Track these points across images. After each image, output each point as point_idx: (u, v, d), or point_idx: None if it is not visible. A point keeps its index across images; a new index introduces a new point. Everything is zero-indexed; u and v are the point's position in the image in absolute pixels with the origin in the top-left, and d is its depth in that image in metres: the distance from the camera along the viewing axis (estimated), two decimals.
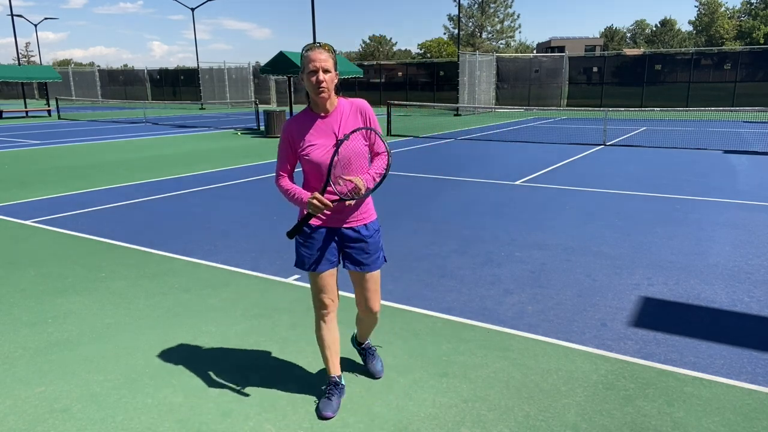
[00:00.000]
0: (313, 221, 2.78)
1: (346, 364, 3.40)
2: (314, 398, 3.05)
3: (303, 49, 2.63)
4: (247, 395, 3.09)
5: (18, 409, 2.97)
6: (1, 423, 2.85)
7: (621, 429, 2.77)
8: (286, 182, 2.77)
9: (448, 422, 2.84)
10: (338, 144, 2.65)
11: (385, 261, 2.98)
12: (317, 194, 2.57)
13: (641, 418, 2.86)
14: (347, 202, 2.70)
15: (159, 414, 2.92)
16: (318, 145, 2.68)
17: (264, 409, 2.96)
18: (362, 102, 2.79)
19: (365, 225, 2.85)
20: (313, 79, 2.58)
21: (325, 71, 2.58)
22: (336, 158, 2.64)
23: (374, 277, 2.93)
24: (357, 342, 3.36)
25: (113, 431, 2.78)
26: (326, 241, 2.81)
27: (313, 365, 3.41)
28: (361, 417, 2.89)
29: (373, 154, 2.82)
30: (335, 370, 3.01)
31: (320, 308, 2.90)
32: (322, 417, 2.87)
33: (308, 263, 2.82)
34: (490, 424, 2.82)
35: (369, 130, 2.73)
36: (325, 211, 2.62)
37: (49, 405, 3.01)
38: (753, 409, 2.92)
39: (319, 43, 2.64)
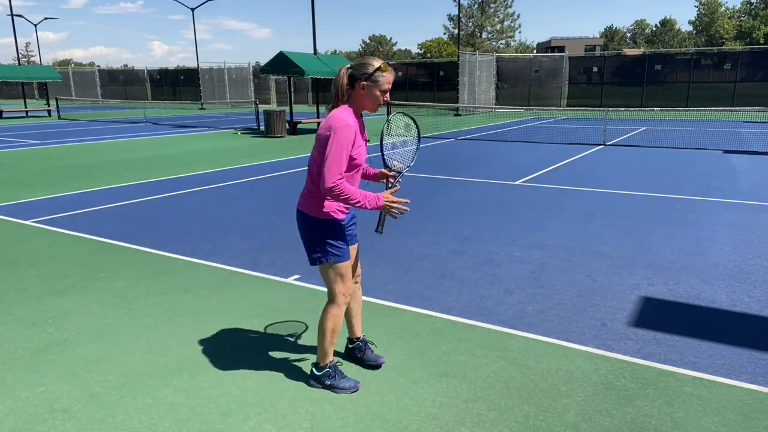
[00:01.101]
0: (342, 215, 2.99)
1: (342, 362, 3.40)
2: (315, 398, 3.05)
3: (380, 67, 2.81)
4: (247, 395, 3.09)
5: (18, 409, 2.97)
6: (1, 423, 2.86)
7: (621, 429, 2.77)
8: (349, 187, 2.79)
9: (448, 422, 2.84)
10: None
11: None
12: (387, 194, 2.89)
13: (641, 418, 2.86)
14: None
15: (159, 414, 2.93)
16: (363, 147, 2.92)
17: (264, 409, 2.96)
18: None
19: None
20: (386, 97, 2.89)
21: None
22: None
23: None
24: (352, 340, 3.46)
25: (113, 431, 2.78)
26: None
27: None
28: (361, 417, 2.89)
29: None
30: (331, 356, 3.17)
31: (347, 294, 3.06)
32: (355, 389, 3.08)
33: (348, 253, 3.02)
34: (490, 424, 2.82)
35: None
36: (402, 207, 2.90)
37: (49, 405, 3.01)
38: (753, 409, 2.92)
39: (386, 63, 2.89)
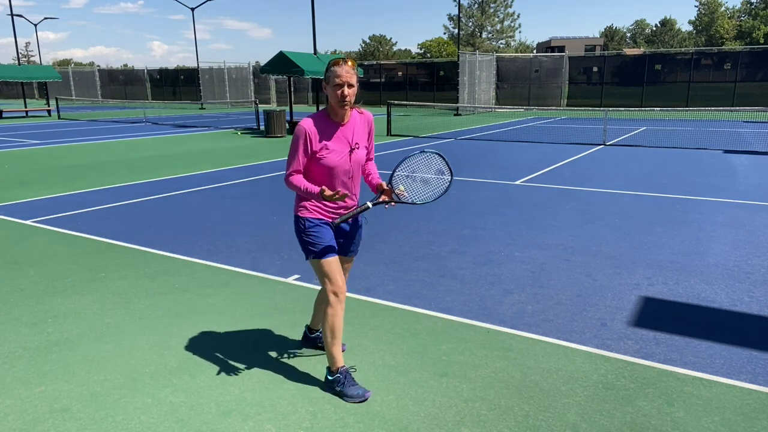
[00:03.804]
0: (317, 215, 3.02)
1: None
2: (315, 397, 3.06)
3: (329, 63, 2.85)
4: (247, 395, 3.09)
5: (18, 409, 2.97)
6: (1, 423, 2.86)
7: (621, 429, 2.77)
8: (298, 178, 2.92)
9: (448, 422, 2.84)
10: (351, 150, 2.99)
11: None
12: (324, 187, 2.79)
13: (641, 418, 2.86)
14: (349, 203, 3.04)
15: (159, 414, 2.93)
16: (334, 151, 2.91)
17: (264, 409, 2.96)
18: (370, 116, 3.11)
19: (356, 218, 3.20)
20: (339, 92, 2.81)
21: (350, 86, 2.82)
22: (350, 166, 2.98)
23: (353, 260, 3.36)
24: (312, 330, 3.58)
25: (113, 431, 2.78)
26: (330, 231, 3.06)
27: (313, 365, 3.41)
28: (361, 417, 2.89)
29: (366, 160, 3.17)
30: (342, 360, 3.14)
31: (337, 292, 3.02)
32: (363, 399, 3.02)
33: (325, 249, 3.00)
34: (490, 424, 2.82)
35: (368, 142, 3.12)
36: (339, 201, 2.87)
37: (49, 405, 3.01)
38: (753, 409, 2.92)
39: (344, 58, 2.83)
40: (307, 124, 2.88)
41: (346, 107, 2.87)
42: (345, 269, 3.28)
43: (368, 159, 3.16)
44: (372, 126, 3.12)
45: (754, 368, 3.32)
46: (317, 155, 2.90)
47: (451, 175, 3.05)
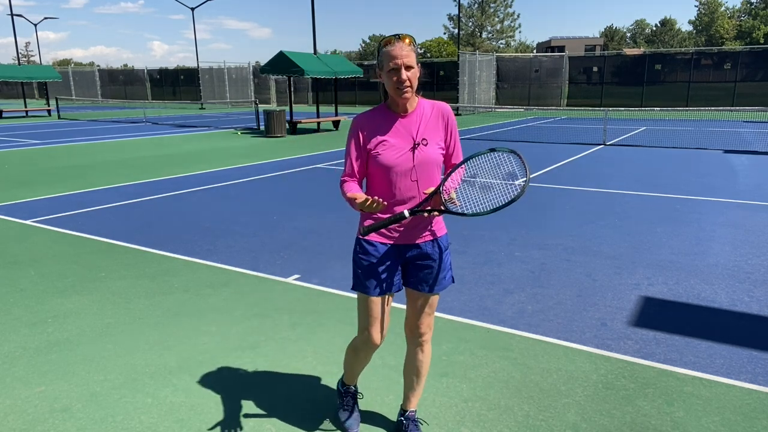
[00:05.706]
0: (379, 239, 2.46)
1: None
2: (315, 398, 3.05)
3: (380, 43, 2.33)
4: (247, 395, 3.09)
5: (18, 409, 2.98)
6: (1, 423, 2.86)
7: (621, 429, 2.77)
8: (348, 185, 2.39)
9: (448, 422, 2.84)
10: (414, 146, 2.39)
11: (453, 281, 2.66)
12: (359, 195, 2.23)
13: (641, 418, 2.86)
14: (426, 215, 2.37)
15: (159, 414, 2.93)
16: (392, 146, 2.36)
17: (264, 409, 2.96)
18: (445, 106, 2.49)
19: (435, 240, 2.53)
20: (395, 78, 2.27)
21: (408, 68, 2.27)
22: (413, 165, 2.37)
23: (435, 299, 2.63)
24: (401, 410, 2.80)
25: (113, 431, 2.78)
26: (392, 261, 2.49)
27: (313, 365, 3.41)
28: (361, 417, 2.89)
29: (449, 165, 2.52)
30: (355, 380, 2.87)
31: (366, 336, 2.56)
32: (345, 430, 2.78)
33: (370, 287, 2.48)
34: (490, 423, 2.82)
35: (448, 138, 2.48)
36: (380, 213, 2.27)
37: (49, 405, 3.01)
38: (753, 408, 2.92)
39: (399, 35, 2.29)
40: (359, 117, 2.40)
41: (407, 95, 2.31)
42: (418, 309, 2.62)
43: (454, 164, 2.48)
44: (450, 119, 2.45)
45: (754, 368, 3.32)
46: (372, 153, 2.37)
47: (527, 179, 2.27)
